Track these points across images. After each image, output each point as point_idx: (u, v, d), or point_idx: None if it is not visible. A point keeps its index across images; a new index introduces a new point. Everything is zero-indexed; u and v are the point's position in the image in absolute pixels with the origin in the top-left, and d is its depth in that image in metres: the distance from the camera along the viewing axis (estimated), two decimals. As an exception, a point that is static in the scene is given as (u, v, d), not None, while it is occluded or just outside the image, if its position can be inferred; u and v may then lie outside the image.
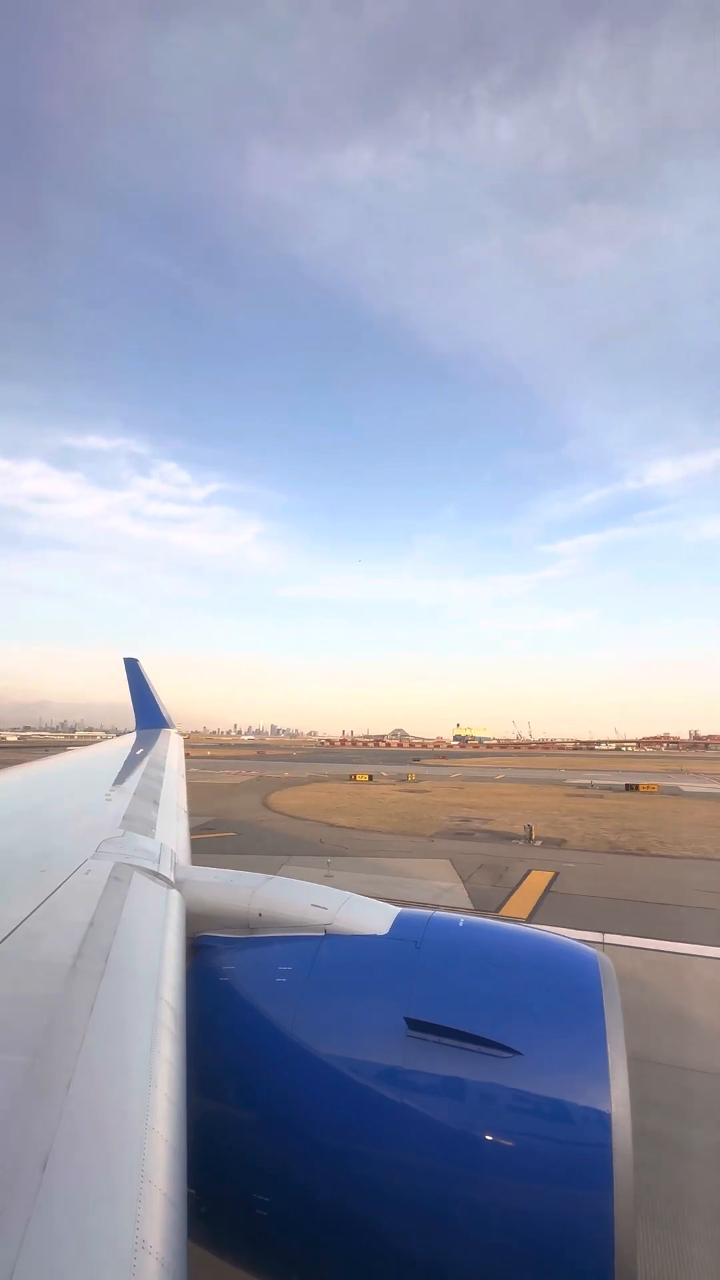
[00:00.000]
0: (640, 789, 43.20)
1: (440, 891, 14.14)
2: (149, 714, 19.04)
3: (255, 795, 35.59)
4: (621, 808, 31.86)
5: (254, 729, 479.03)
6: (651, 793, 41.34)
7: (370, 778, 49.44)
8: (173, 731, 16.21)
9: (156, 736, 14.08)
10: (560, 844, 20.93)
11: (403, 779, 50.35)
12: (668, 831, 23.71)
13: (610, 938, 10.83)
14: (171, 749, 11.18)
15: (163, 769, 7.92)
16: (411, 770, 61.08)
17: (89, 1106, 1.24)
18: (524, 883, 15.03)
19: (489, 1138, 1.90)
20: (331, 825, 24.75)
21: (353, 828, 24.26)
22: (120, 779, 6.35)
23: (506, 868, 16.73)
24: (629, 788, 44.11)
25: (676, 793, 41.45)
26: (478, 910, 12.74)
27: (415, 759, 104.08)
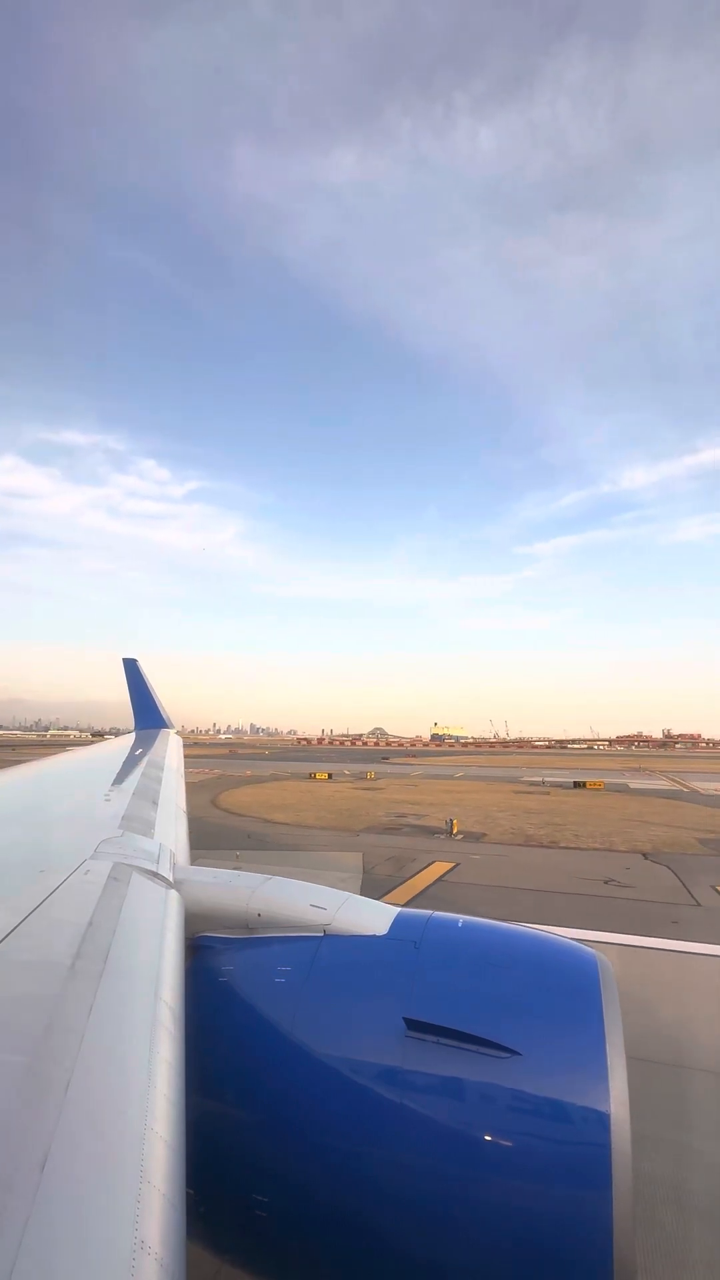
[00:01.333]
0: (587, 786, 44.62)
1: (336, 880, 14.98)
2: (148, 714, 18.98)
3: (207, 794, 36.12)
4: (559, 804, 33.09)
5: (233, 728, 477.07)
6: (597, 790, 42.72)
7: (330, 776, 50.17)
8: (172, 732, 16.25)
9: (155, 737, 14.13)
10: (480, 837, 21.94)
11: (362, 777, 51.21)
12: (589, 826, 24.88)
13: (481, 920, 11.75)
14: (170, 749, 11.26)
15: (162, 769, 7.98)
16: (372, 769, 62.00)
17: (88, 1107, 1.24)
18: (421, 873, 15.93)
19: (488, 1138, 1.91)
20: (269, 821, 25.48)
21: (288, 823, 25.02)
22: (119, 779, 6.37)
23: (413, 859, 17.64)
24: (576, 785, 45.50)
25: (623, 790, 42.90)
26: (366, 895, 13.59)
27: (384, 757, 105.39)
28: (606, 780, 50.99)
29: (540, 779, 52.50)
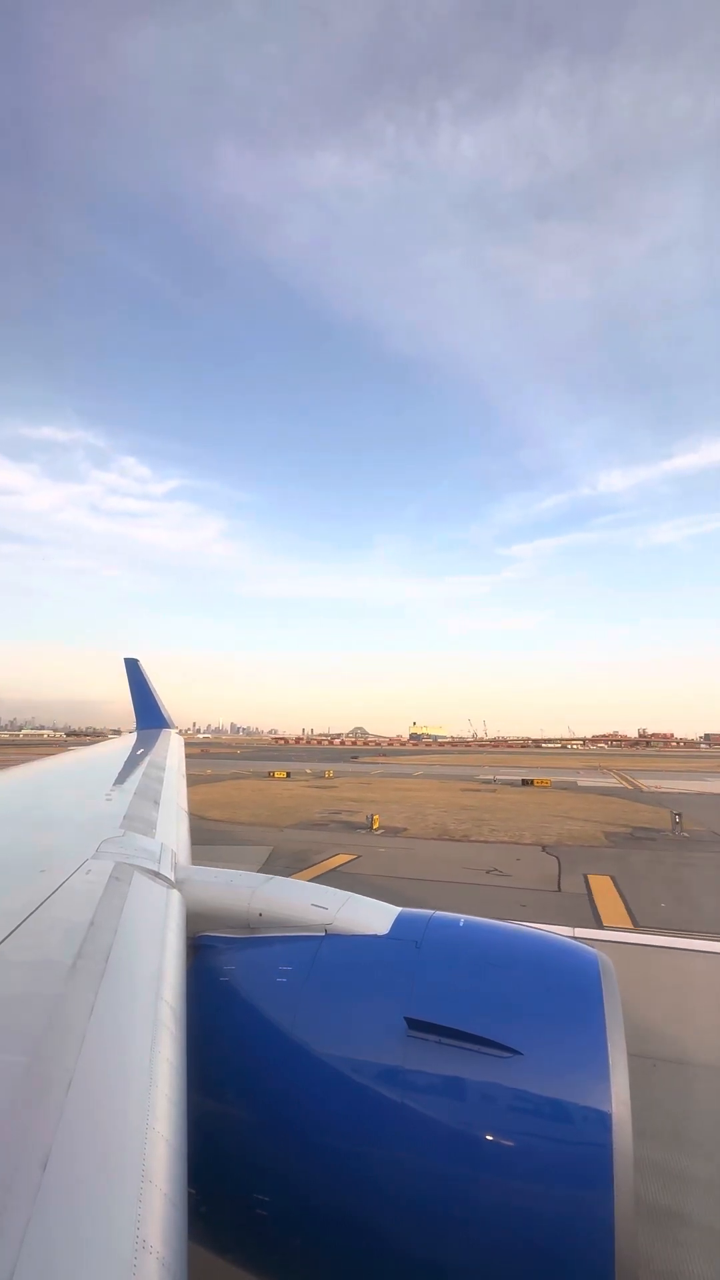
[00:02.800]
0: (534, 784, 46.07)
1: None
2: (149, 714, 19.09)
3: (157, 791, 36.63)
4: (497, 801, 34.27)
5: (213, 727, 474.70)
6: (544, 787, 44.13)
7: (288, 775, 50.89)
8: (173, 732, 16.36)
9: (157, 736, 14.22)
10: (399, 832, 22.91)
11: (321, 776, 52.01)
12: (511, 821, 26.00)
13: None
14: (172, 749, 11.36)
15: (163, 769, 8.04)
16: (333, 768, 62.82)
17: (89, 1106, 1.25)
18: (320, 864, 16.83)
19: (489, 1138, 1.91)
20: (203, 818, 26.16)
21: (220, 820, 25.76)
22: (121, 779, 6.43)
23: (320, 851, 18.53)
24: (524, 783, 46.88)
25: (569, 787, 44.30)
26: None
27: (354, 756, 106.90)
28: (560, 778, 52.49)
29: (493, 777, 53.81)
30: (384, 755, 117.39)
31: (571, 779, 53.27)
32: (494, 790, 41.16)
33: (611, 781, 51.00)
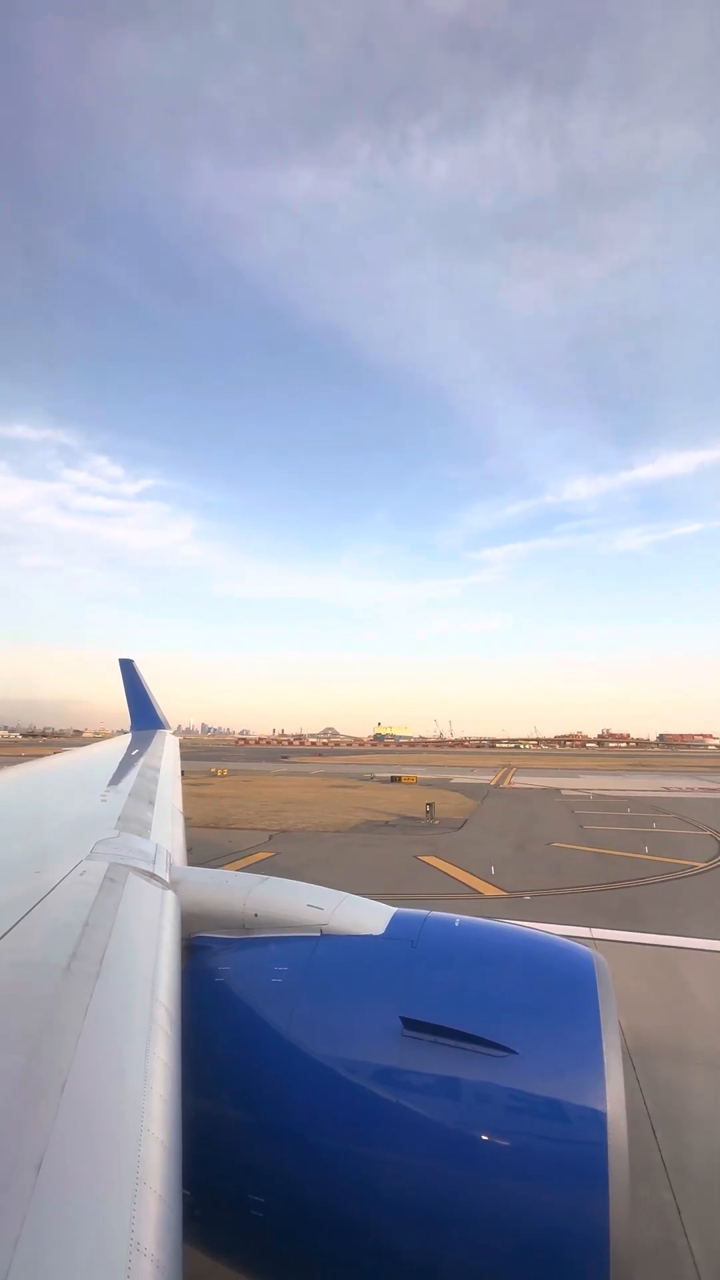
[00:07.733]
0: (402, 780, 49.80)
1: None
2: (144, 715, 19.30)
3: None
4: (333, 795, 37.69)
5: (184, 728, 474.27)
6: (410, 784, 47.80)
7: (182, 773, 53.51)
8: (168, 733, 16.57)
9: (152, 738, 14.30)
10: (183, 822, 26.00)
11: (215, 775, 54.78)
12: (306, 813, 29.28)
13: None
14: (167, 750, 11.41)
15: (158, 770, 8.10)
16: (229, 767, 65.61)
17: (84, 1108, 1.26)
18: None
19: (484, 1137, 1.94)
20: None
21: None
22: (115, 780, 6.47)
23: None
24: (393, 779, 50.67)
25: (440, 784, 47.95)
26: None
27: (284, 756, 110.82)
28: (444, 775, 56.45)
29: (371, 775, 57.33)
30: (319, 755, 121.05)
31: (450, 776, 57.13)
32: (355, 787, 44.39)
33: (486, 778, 54.74)
